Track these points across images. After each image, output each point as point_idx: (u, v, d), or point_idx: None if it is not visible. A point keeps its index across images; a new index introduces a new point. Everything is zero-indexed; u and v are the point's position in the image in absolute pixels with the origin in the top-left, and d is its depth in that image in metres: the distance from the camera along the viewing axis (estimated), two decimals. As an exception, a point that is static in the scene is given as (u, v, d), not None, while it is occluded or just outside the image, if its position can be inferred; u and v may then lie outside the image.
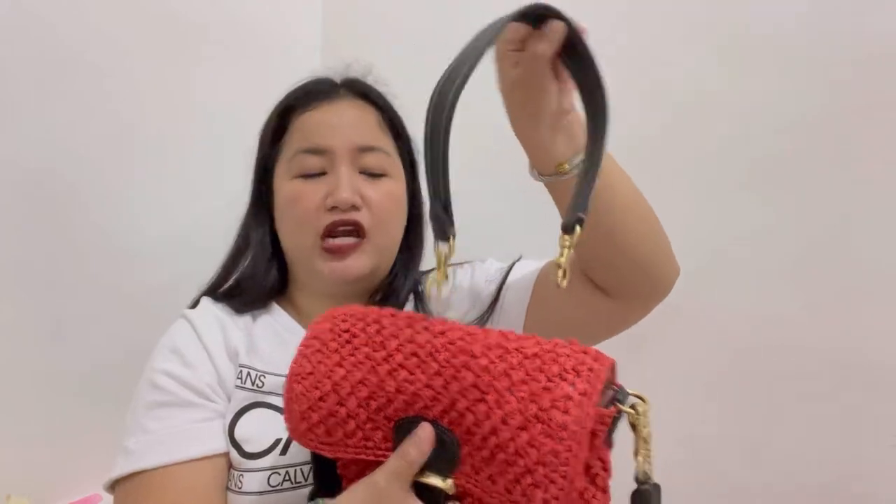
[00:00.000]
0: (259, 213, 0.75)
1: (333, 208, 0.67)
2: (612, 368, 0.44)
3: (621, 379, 0.45)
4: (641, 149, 0.85)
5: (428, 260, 0.80)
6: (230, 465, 0.63)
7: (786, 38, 0.72)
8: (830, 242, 0.70)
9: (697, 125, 0.80)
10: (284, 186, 0.71)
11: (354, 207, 0.67)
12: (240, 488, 0.61)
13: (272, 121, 0.75)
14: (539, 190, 0.61)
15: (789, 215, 0.73)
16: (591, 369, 0.42)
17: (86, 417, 0.91)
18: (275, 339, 0.70)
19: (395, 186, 0.72)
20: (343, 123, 0.71)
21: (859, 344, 0.68)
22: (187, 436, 0.60)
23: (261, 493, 0.60)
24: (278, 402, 0.64)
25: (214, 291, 0.75)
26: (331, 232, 0.67)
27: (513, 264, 0.75)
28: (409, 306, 0.75)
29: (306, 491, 0.59)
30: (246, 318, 0.72)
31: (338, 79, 0.77)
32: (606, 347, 0.82)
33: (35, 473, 0.88)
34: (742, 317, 0.76)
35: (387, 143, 0.73)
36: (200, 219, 1.10)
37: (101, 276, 0.96)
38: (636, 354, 0.85)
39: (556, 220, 0.57)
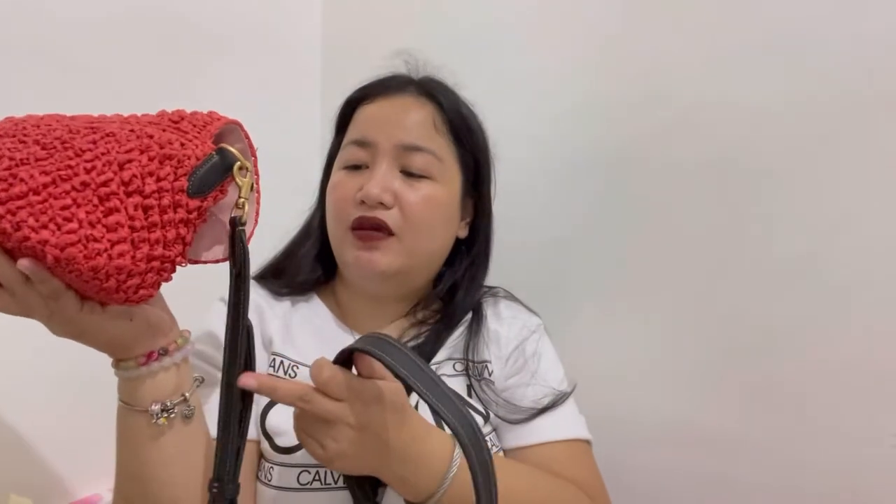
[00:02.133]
0: (321, 201, 0.76)
1: (362, 203, 0.66)
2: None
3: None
4: (641, 151, 0.85)
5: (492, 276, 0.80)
6: (261, 456, 0.63)
7: (785, 40, 0.73)
8: (831, 244, 0.70)
9: (697, 129, 0.80)
10: (333, 176, 0.72)
11: (382, 205, 0.66)
12: (269, 481, 0.61)
13: (339, 112, 0.76)
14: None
15: (790, 216, 0.73)
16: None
17: (86, 417, 0.91)
18: (312, 331, 0.71)
19: (438, 191, 0.69)
20: (393, 119, 0.69)
21: (860, 343, 0.68)
22: (212, 416, 0.60)
23: (290, 489, 0.60)
24: None
25: (264, 274, 0.75)
26: (357, 227, 0.67)
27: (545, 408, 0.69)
28: (465, 325, 0.74)
29: (337, 493, 0.60)
30: (285, 305, 0.72)
31: (415, 76, 0.76)
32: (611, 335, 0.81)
33: (35, 473, 0.87)
34: (743, 317, 0.76)
35: (440, 145, 0.70)
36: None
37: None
38: (644, 355, 0.85)
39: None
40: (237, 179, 0.48)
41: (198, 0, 1.08)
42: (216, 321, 0.67)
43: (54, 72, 0.89)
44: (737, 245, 0.77)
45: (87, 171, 0.42)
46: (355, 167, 0.70)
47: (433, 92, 0.72)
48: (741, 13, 0.76)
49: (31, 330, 0.91)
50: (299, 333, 0.69)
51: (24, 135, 0.43)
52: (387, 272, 0.67)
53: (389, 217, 0.66)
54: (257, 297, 0.72)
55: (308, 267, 0.75)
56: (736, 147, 0.77)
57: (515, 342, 0.73)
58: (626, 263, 0.88)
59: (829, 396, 0.70)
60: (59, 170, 0.41)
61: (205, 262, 0.51)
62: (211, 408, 0.58)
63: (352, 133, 0.72)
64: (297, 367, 0.66)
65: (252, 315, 0.69)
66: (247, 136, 0.53)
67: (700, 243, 0.81)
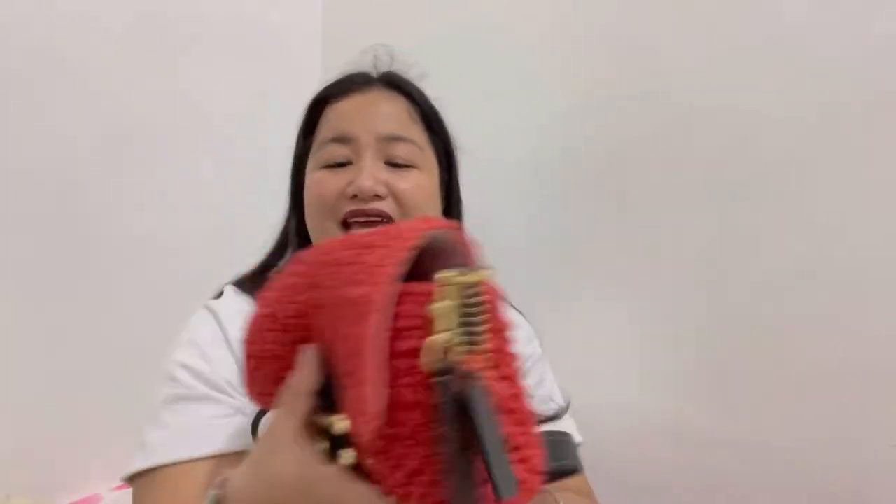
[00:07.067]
0: (294, 206, 0.74)
1: (354, 197, 0.64)
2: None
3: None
4: (638, 151, 0.85)
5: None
6: None
7: (785, 40, 0.72)
8: (831, 244, 0.69)
9: (694, 129, 0.80)
10: (310, 177, 0.70)
11: (378, 197, 0.64)
12: None
13: (306, 113, 0.74)
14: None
15: (789, 217, 0.73)
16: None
17: (86, 417, 0.91)
18: None
19: (425, 179, 0.68)
20: (369, 112, 0.68)
21: (861, 344, 0.68)
22: (203, 433, 0.57)
23: None
24: None
25: (244, 282, 0.72)
26: (350, 220, 0.64)
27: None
28: None
29: None
30: None
31: (376, 72, 0.75)
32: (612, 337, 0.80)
33: (35, 473, 0.87)
34: (742, 317, 0.76)
35: (417, 134, 0.70)
36: (200, 216, 1.10)
37: (100, 277, 0.96)
38: (639, 354, 0.85)
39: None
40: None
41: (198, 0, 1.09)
42: (201, 330, 0.65)
43: (55, 71, 0.89)
44: (735, 245, 0.77)
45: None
46: (337, 165, 0.68)
47: (401, 85, 0.72)
48: (739, 14, 0.76)
49: (31, 330, 0.91)
50: None
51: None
52: None
53: (387, 207, 0.65)
54: (240, 303, 0.69)
55: None
56: (733, 148, 0.76)
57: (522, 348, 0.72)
58: (624, 262, 0.88)
59: (829, 397, 0.70)
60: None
61: None
62: (188, 422, 0.57)
63: (326, 132, 0.70)
64: None
65: (238, 321, 0.66)
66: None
67: (698, 243, 0.80)
